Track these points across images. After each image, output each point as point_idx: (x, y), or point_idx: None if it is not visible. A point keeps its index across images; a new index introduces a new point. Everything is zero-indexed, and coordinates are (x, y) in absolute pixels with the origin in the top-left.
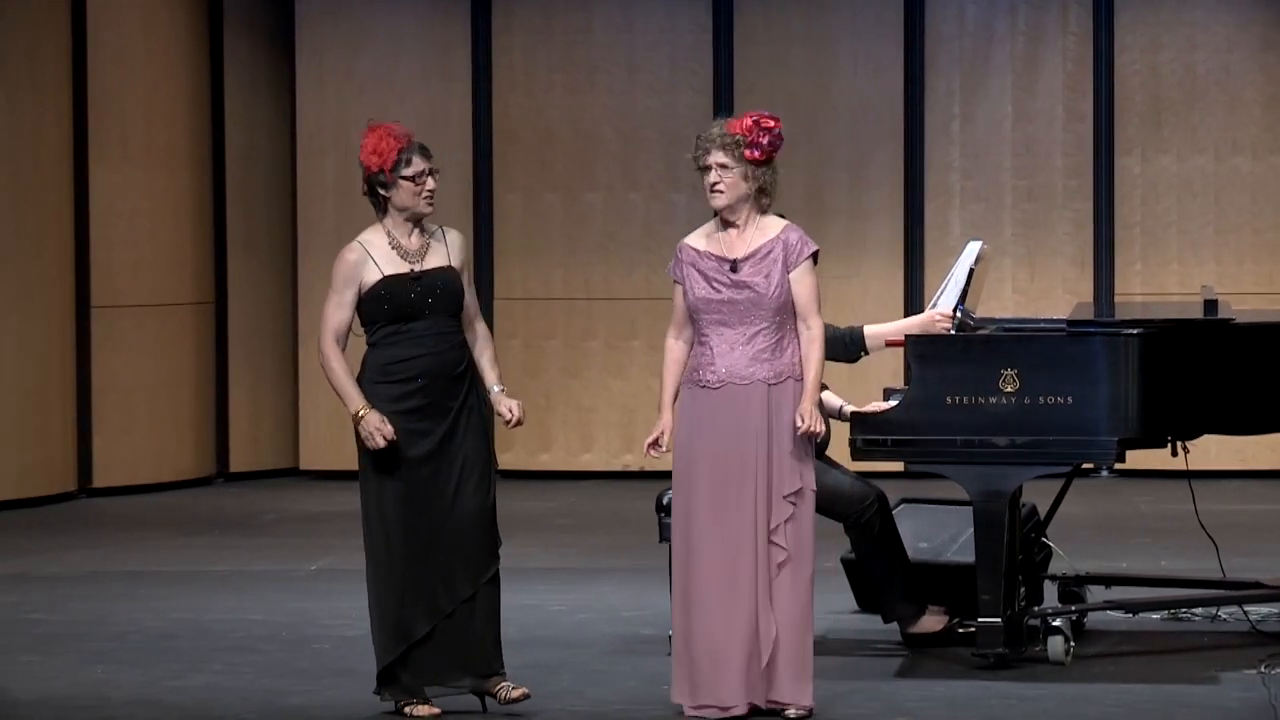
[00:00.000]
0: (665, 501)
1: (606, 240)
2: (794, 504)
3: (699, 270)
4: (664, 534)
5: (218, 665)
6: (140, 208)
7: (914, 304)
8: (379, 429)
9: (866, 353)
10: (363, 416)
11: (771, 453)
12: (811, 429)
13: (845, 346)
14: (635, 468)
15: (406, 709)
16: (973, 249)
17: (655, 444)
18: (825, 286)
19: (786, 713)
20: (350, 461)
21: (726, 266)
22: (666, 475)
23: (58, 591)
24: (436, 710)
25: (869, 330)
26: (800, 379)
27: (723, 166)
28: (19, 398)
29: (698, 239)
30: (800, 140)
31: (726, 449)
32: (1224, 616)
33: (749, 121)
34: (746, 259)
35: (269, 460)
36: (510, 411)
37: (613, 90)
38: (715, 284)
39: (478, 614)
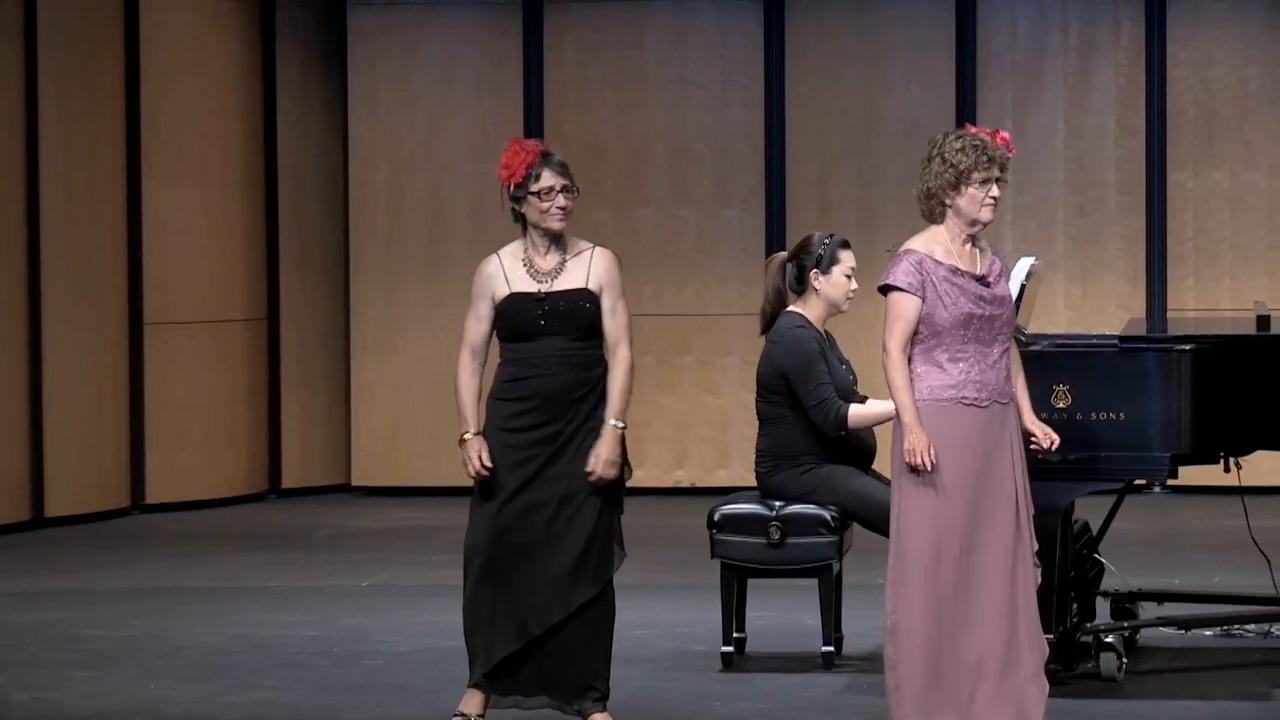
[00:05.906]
0: (717, 518)
1: (658, 256)
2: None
3: (954, 285)
4: (716, 550)
5: (271, 681)
6: (193, 224)
7: None
8: (473, 458)
9: (845, 432)
10: (464, 441)
11: (1018, 471)
12: (1054, 436)
13: (823, 421)
14: (687, 484)
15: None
16: (1024, 265)
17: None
18: (879, 303)
19: None
20: (402, 478)
21: (977, 282)
22: (717, 491)
23: (112, 607)
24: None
25: (852, 411)
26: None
27: (1000, 182)
28: (73, 414)
29: (934, 249)
30: (851, 155)
31: (989, 468)
32: (1276, 633)
33: (1005, 137)
34: (985, 276)
35: (321, 476)
36: (593, 463)
37: (664, 105)
38: (979, 300)
39: (569, 637)
